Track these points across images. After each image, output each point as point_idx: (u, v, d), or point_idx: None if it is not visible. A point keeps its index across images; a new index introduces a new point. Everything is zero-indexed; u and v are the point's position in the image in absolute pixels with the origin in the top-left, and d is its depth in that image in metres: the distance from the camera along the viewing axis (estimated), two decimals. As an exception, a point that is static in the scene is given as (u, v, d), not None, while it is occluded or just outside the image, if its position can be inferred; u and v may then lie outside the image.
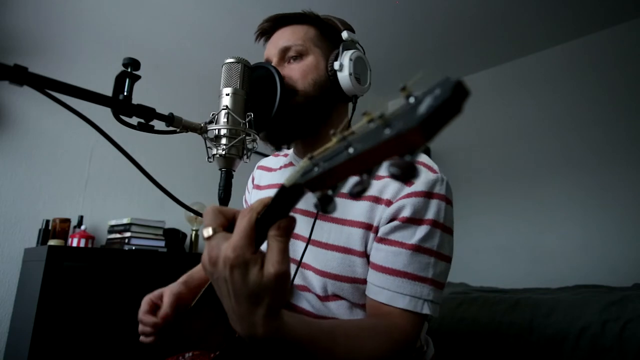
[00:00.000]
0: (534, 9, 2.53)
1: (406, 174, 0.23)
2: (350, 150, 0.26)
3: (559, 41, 2.90)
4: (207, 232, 0.39)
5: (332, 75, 0.76)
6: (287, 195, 0.34)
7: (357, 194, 0.27)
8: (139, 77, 0.57)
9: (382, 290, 0.63)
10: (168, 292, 0.71)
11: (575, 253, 2.57)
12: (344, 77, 0.75)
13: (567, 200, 2.68)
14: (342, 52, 0.76)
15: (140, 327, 0.70)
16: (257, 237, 0.37)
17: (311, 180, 0.30)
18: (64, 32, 2.09)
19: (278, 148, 0.84)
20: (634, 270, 2.26)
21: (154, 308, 0.70)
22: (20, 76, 0.45)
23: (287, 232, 0.37)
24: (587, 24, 2.70)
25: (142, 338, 0.71)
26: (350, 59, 0.75)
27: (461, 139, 3.15)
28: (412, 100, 0.23)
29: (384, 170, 0.25)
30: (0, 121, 1.83)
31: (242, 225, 0.37)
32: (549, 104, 2.90)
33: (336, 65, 0.75)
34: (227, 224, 0.41)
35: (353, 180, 0.28)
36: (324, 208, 0.30)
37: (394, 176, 0.24)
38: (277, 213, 0.36)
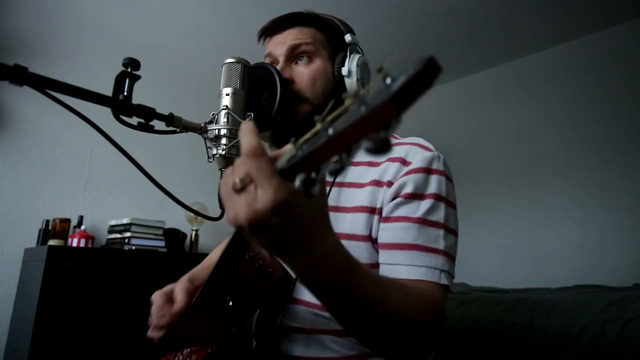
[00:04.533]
0: (534, 9, 2.53)
1: (380, 148, 0.24)
2: (330, 131, 0.27)
3: (559, 41, 2.89)
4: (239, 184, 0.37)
5: (339, 80, 0.76)
6: None
7: (335, 172, 0.28)
8: (139, 77, 0.57)
9: (397, 266, 0.62)
10: (179, 287, 0.72)
11: (575, 253, 2.57)
12: (351, 83, 0.75)
13: (567, 200, 2.68)
14: (349, 57, 0.76)
15: (156, 321, 0.69)
16: None
17: (295, 164, 0.31)
18: (64, 32, 2.08)
19: None
20: (634, 270, 2.26)
21: (169, 302, 0.70)
22: (20, 76, 0.45)
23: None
24: (587, 24, 2.70)
25: (152, 333, 0.69)
26: (358, 65, 0.75)
27: (461, 138, 3.14)
28: (388, 80, 0.24)
29: (381, 157, 0.25)
30: (0, 121, 1.83)
31: (258, 167, 0.35)
32: (549, 104, 2.90)
33: (344, 71, 0.75)
34: None
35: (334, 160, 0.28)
36: (307, 190, 0.30)
37: (369, 150, 0.24)
38: None
